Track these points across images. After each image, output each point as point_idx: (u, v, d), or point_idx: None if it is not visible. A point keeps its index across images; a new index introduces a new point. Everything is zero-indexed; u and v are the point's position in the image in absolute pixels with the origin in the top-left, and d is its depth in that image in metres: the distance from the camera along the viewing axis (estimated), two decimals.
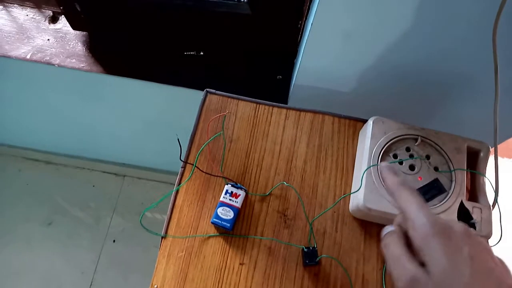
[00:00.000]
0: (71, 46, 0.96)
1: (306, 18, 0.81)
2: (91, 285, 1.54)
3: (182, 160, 0.59)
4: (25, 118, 1.35)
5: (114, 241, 1.61)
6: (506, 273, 0.30)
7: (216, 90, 0.73)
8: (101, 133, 1.33)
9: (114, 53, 0.96)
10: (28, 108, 1.27)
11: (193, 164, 0.66)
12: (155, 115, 1.12)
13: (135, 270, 1.56)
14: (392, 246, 0.34)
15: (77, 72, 0.93)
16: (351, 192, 0.66)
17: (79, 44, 0.96)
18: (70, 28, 0.96)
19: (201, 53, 0.96)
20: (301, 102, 0.85)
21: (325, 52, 0.74)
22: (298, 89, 0.85)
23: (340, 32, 0.68)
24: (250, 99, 0.73)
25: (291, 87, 0.88)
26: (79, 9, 0.88)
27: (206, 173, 0.65)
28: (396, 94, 0.78)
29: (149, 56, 0.96)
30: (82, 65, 0.93)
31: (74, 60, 0.93)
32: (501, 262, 0.31)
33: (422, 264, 0.31)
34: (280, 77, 0.94)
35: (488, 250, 0.30)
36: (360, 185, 0.60)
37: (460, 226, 0.31)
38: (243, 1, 0.85)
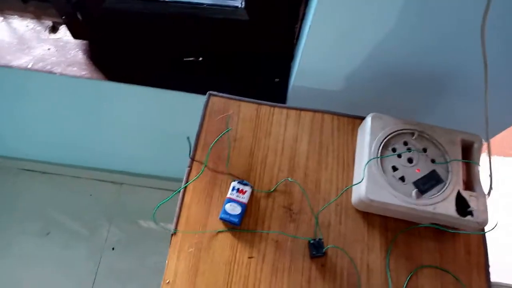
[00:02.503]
0: (72, 54, 0.98)
1: (302, 22, 0.84)
2: None
3: (192, 159, 0.61)
4: (22, 128, 1.36)
5: (113, 249, 1.61)
6: None
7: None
8: (100, 141, 1.34)
9: (115, 60, 0.98)
10: (26, 118, 1.27)
11: (203, 163, 0.68)
12: (154, 121, 1.13)
13: (134, 279, 1.56)
14: None
15: (79, 80, 0.95)
16: (353, 184, 0.69)
17: (80, 52, 0.98)
18: (71, 37, 0.98)
19: (200, 59, 0.98)
20: (299, 103, 0.88)
21: (322, 54, 0.77)
22: (296, 90, 0.88)
23: (336, 34, 0.71)
24: (252, 100, 0.76)
25: (289, 88, 0.91)
26: (80, 18, 0.90)
27: (213, 171, 0.67)
28: (392, 91, 0.81)
29: (149, 62, 0.98)
30: (84, 73, 0.95)
31: (75, 68, 0.95)
32: None
33: None
34: (278, 79, 0.97)
35: None
36: (362, 178, 0.63)
37: None
38: (241, 7, 0.89)
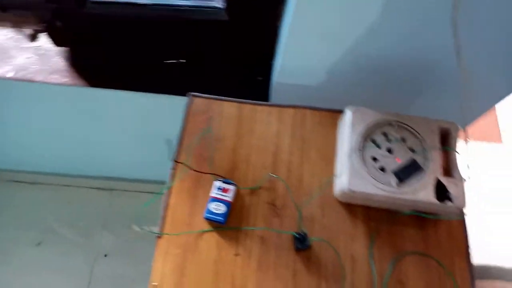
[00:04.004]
0: (53, 62, 0.98)
1: (281, 20, 0.85)
2: None
3: (174, 160, 0.62)
4: (6, 139, 1.35)
5: (105, 255, 1.61)
6: None
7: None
8: (86, 148, 1.33)
9: (96, 66, 0.98)
10: (9, 129, 1.27)
11: (186, 164, 0.68)
12: (139, 125, 1.13)
13: (129, 284, 1.55)
14: None
15: (61, 87, 0.95)
16: (334, 176, 0.70)
17: (61, 60, 0.98)
18: (51, 45, 0.98)
19: (182, 61, 0.99)
20: (282, 100, 0.89)
21: (302, 51, 0.78)
22: (279, 88, 0.89)
23: (315, 31, 0.72)
24: (234, 99, 0.77)
25: (272, 86, 0.92)
26: (60, 25, 0.90)
27: (197, 171, 0.68)
28: (371, 85, 0.83)
29: (131, 66, 0.98)
30: (65, 79, 0.95)
31: (57, 76, 0.95)
32: None
33: None
34: (261, 78, 0.98)
35: None
36: (342, 170, 0.64)
37: None
38: (221, 8, 0.89)
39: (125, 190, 1.71)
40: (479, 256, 1.45)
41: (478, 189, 1.59)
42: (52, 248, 1.62)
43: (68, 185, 1.72)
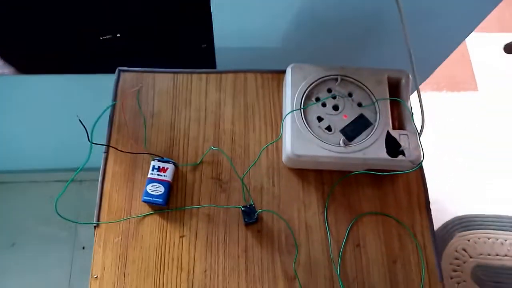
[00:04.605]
0: None
1: None
2: None
3: (91, 142, 0.56)
4: None
5: (83, 248, 1.57)
6: None
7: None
8: (32, 141, 1.26)
9: (26, 51, 0.90)
10: None
11: (109, 146, 0.63)
12: (83, 108, 1.06)
13: None
14: None
15: None
16: (270, 143, 0.65)
17: None
18: None
19: (118, 35, 0.91)
20: (229, 66, 0.83)
21: (236, 10, 0.71)
22: (222, 53, 0.83)
23: None
24: (166, 70, 0.70)
25: (215, 53, 0.85)
26: None
27: (128, 152, 0.63)
28: (316, 40, 0.77)
29: (64, 47, 0.90)
30: None
31: None
32: None
33: None
34: (205, 45, 0.91)
35: None
36: (280, 133, 0.59)
37: None
38: None
39: (95, 180, 1.66)
40: (461, 207, 1.44)
41: (457, 140, 1.57)
42: (27, 247, 1.57)
43: (35, 181, 1.65)
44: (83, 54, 0.91)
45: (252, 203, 0.60)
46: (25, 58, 0.89)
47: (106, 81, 0.88)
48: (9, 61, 0.88)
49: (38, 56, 0.90)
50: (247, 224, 0.60)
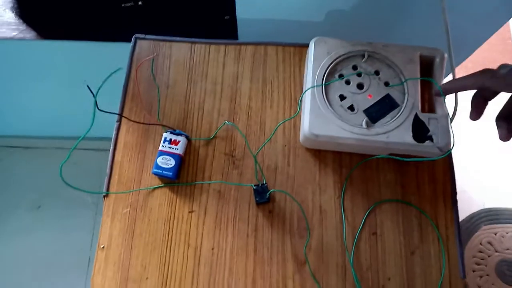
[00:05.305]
0: None
1: None
2: (89, 261, 1.56)
3: (99, 109, 0.54)
4: None
5: None
6: None
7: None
8: (64, 108, 1.28)
9: (48, 16, 0.89)
10: None
11: (122, 115, 0.61)
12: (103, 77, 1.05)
13: None
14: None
15: (11, 42, 0.87)
16: (285, 120, 0.61)
17: (7, 11, 0.89)
18: None
19: (140, 3, 0.88)
20: (250, 39, 0.79)
21: None
22: (244, 25, 0.79)
23: None
24: (184, 39, 0.67)
25: (238, 24, 0.81)
26: None
27: (140, 122, 0.61)
28: (342, 13, 0.71)
29: (86, 14, 0.89)
30: (14, 33, 0.87)
31: (4, 30, 0.87)
32: None
33: None
34: (228, 17, 0.87)
35: None
36: (298, 110, 0.55)
37: None
38: None
39: None
40: (488, 199, 1.37)
41: (492, 128, 1.48)
42: (52, 210, 1.63)
43: (61, 148, 1.69)
44: (104, 21, 0.89)
45: (264, 182, 0.58)
46: (47, 23, 0.88)
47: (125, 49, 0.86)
48: (31, 25, 0.87)
49: (59, 21, 0.89)
50: (258, 204, 0.58)
